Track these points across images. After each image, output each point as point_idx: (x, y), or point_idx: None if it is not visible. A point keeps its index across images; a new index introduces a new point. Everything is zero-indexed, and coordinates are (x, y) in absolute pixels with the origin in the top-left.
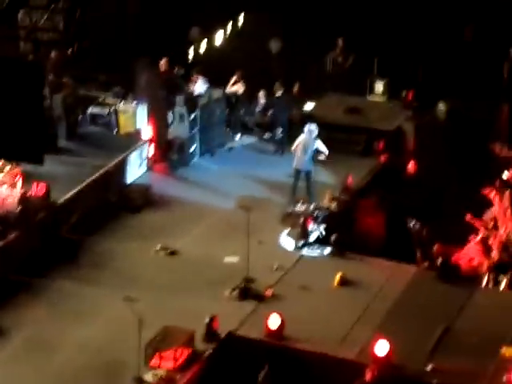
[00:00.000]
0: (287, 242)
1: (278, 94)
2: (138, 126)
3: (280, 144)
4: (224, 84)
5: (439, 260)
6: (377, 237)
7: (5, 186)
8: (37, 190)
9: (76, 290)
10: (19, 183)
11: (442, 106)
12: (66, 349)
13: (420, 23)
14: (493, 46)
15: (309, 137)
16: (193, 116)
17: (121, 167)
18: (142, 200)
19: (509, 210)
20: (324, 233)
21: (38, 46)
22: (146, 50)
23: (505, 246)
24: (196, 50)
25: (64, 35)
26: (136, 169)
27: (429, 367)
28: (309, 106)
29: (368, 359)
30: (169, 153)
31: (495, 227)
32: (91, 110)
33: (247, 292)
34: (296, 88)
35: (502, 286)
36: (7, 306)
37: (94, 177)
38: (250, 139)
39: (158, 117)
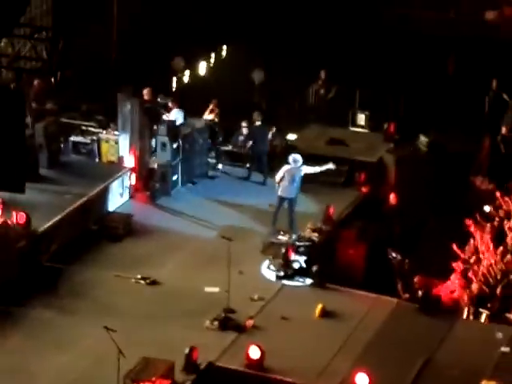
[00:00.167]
0: (268, 272)
1: (257, 123)
2: (120, 155)
3: (261, 173)
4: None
5: (420, 292)
6: (357, 268)
7: None
8: (17, 218)
9: (55, 319)
10: None
11: (423, 139)
12: (44, 378)
13: (402, 57)
14: (474, 80)
15: (294, 166)
16: (175, 145)
17: (102, 196)
18: (123, 229)
19: (490, 243)
20: (305, 264)
21: (20, 75)
22: (129, 79)
23: (486, 278)
24: (179, 80)
25: (47, 64)
26: (117, 197)
27: None
28: (291, 137)
29: None
30: (151, 182)
31: (476, 260)
32: (73, 138)
33: (227, 322)
34: None
35: (483, 318)
36: None
37: (75, 205)
38: (232, 168)
39: (140, 146)
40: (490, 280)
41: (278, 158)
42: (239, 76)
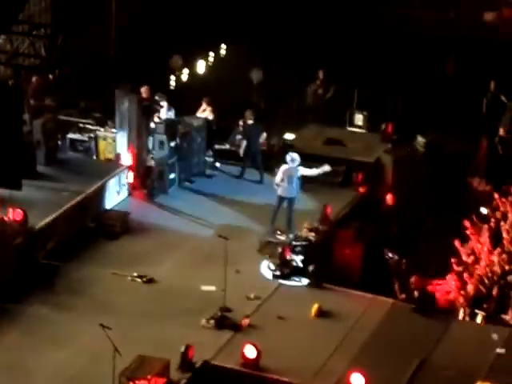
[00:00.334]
0: (265, 271)
1: (249, 121)
2: (117, 153)
3: (245, 168)
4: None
5: (416, 293)
6: (354, 268)
7: None
8: (14, 215)
9: (52, 317)
10: None
11: (420, 140)
12: (40, 375)
13: (401, 57)
14: (472, 81)
15: (292, 165)
16: (173, 143)
17: (99, 193)
18: (120, 227)
19: (487, 244)
20: (301, 263)
21: (18, 72)
22: (127, 77)
23: (482, 279)
24: (177, 79)
25: (45, 61)
26: (115, 195)
27: None
28: (289, 137)
29: None
30: (148, 180)
31: (473, 261)
32: (71, 135)
33: (224, 321)
34: None
35: (479, 319)
36: None
37: (72, 202)
38: (229, 167)
39: (137, 143)
40: (486, 281)
41: (275, 157)
42: (238, 75)
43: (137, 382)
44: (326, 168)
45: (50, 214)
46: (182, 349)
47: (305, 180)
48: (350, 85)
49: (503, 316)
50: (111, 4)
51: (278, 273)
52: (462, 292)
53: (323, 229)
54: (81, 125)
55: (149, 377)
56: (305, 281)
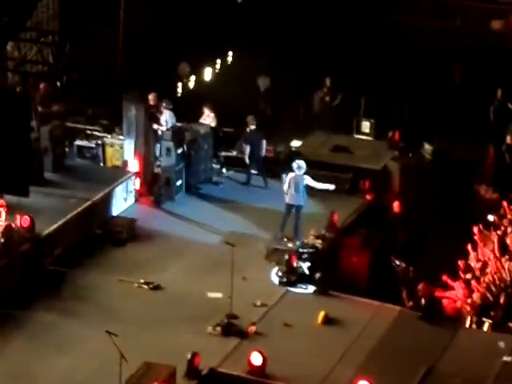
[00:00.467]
0: (273, 278)
1: (252, 127)
2: (124, 159)
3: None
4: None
5: (423, 300)
6: (361, 276)
7: None
8: (21, 221)
9: (58, 323)
10: (3, 215)
11: (427, 147)
12: (46, 381)
13: (408, 65)
14: (479, 88)
15: (298, 173)
16: (180, 150)
17: (106, 200)
18: (126, 233)
19: (495, 252)
20: (308, 270)
21: (26, 78)
22: (135, 84)
23: (489, 287)
24: (184, 86)
25: (53, 68)
26: (122, 202)
27: None
28: (296, 144)
29: None
30: (155, 186)
31: (480, 269)
32: (78, 142)
33: (230, 328)
34: None
35: (485, 327)
36: None
37: (79, 209)
38: (236, 174)
39: (144, 150)
40: (494, 289)
41: (282, 164)
42: (245, 82)
43: None
44: (331, 187)
45: (57, 221)
46: (189, 356)
47: (311, 187)
48: (356, 92)
49: (510, 324)
50: (119, 11)
51: (284, 280)
52: (469, 301)
53: (330, 236)
54: (88, 132)
55: None
56: (311, 288)
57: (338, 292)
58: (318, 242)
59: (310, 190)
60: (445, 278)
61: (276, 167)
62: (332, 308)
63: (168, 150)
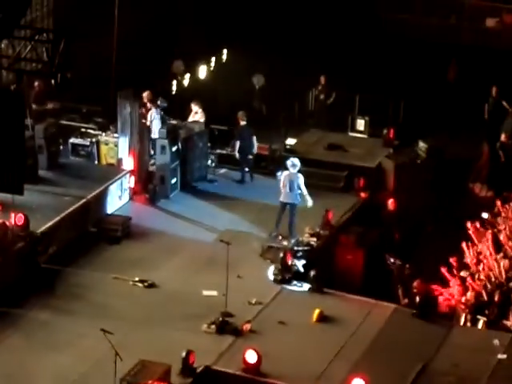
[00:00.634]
0: (268, 276)
1: (242, 123)
2: (119, 157)
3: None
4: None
5: (418, 298)
6: (356, 273)
7: None
8: (15, 219)
9: (53, 321)
10: None
11: (422, 145)
12: (41, 380)
13: (402, 63)
14: (474, 86)
15: (293, 171)
16: (174, 148)
17: (101, 198)
18: (121, 231)
19: (489, 250)
20: (303, 268)
21: (20, 76)
22: (129, 82)
23: (484, 285)
24: (179, 83)
25: (47, 66)
26: (116, 200)
27: None
28: (290, 142)
29: None
30: (149, 184)
31: (475, 267)
32: (73, 140)
33: (225, 326)
34: None
35: (480, 325)
36: None
37: (73, 207)
38: (231, 172)
39: (139, 148)
40: (489, 286)
41: (276, 162)
42: (239, 80)
43: None
44: (309, 203)
45: (52, 219)
46: (183, 354)
47: (306, 185)
48: (351, 90)
49: (505, 322)
50: (113, 9)
51: (279, 278)
52: (463, 299)
53: (325, 234)
54: (83, 129)
55: (150, 382)
56: (306, 286)
57: (333, 290)
58: (313, 240)
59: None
60: (443, 271)
61: (271, 165)
62: (327, 306)
63: (163, 147)
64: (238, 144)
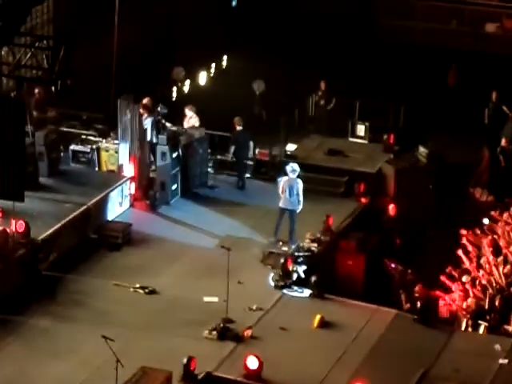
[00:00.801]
0: (268, 282)
1: (238, 128)
2: (119, 164)
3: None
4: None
5: (419, 303)
6: (356, 279)
7: None
8: (16, 226)
9: (53, 328)
10: None
11: (422, 150)
12: None
13: (402, 68)
14: (474, 91)
15: (292, 176)
16: (175, 154)
17: (101, 204)
18: (122, 238)
19: (489, 255)
20: (304, 274)
21: (20, 83)
22: (130, 88)
23: (485, 290)
24: (179, 90)
25: (48, 73)
26: (117, 206)
27: None
28: (291, 148)
29: None
30: (150, 191)
31: (475, 272)
32: (73, 147)
33: (226, 332)
34: None
35: (481, 330)
36: None
37: (74, 214)
38: (231, 178)
39: (139, 155)
40: (491, 290)
41: (277, 167)
42: (240, 86)
43: None
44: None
45: (53, 226)
46: (185, 360)
47: (306, 190)
48: (351, 95)
49: (506, 327)
50: (114, 15)
51: (280, 283)
52: (464, 305)
53: (325, 239)
54: (83, 136)
55: None
56: (307, 291)
57: (334, 295)
58: (314, 246)
59: (305, 194)
60: (443, 279)
61: (271, 171)
62: (328, 311)
63: (163, 154)
64: (232, 149)
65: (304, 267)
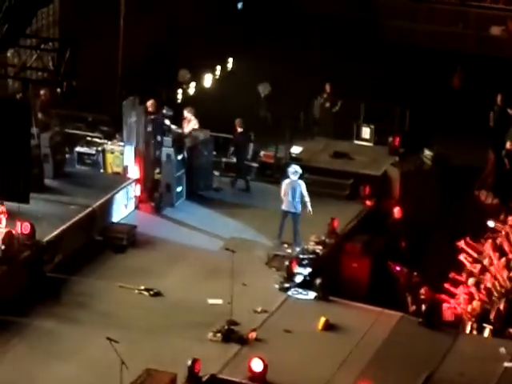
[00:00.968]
0: (273, 284)
1: (239, 129)
2: (124, 166)
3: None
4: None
5: (424, 306)
6: (362, 281)
7: None
8: (21, 228)
9: (58, 330)
10: (3, 221)
11: (427, 153)
12: None
13: (408, 71)
14: (479, 94)
15: (294, 178)
16: (180, 157)
17: (106, 206)
18: (127, 240)
19: (495, 258)
20: (309, 276)
21: (26, 85)
22: (135, 90)
23: (490, 293)
24: (184, 92)
25: (53, 74)
26: (122, 208)
27: None
28: (296, 150)
29: None
30: (155, 193)
31: (481, 275)
32: (78, 149)
33: (230, 335)
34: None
35: (486, 333)
36: None
37: (79, 216)
38: (237, 180)
39: (145, 157)
40: (496, 294)
41: (282, 170)
42: (245, 89)
43: None
44: (310, 210)
45: (58, 228)
46: (189, 362)
47: (311, 193)
48: (357, 98)
49: (511, 330)
50: (119, 17)
51: (285, 286)
52: (469, 309)
53: (330, 242)
54: (88, 138)
55: None
56: (312, 294)
57: (339, 298)
58: (319, 248)
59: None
60: (447, 285)
61: (276, 173)
62: (333, 314)
63: (168, 156)
64: (231, 150)
65: (309, 270)
